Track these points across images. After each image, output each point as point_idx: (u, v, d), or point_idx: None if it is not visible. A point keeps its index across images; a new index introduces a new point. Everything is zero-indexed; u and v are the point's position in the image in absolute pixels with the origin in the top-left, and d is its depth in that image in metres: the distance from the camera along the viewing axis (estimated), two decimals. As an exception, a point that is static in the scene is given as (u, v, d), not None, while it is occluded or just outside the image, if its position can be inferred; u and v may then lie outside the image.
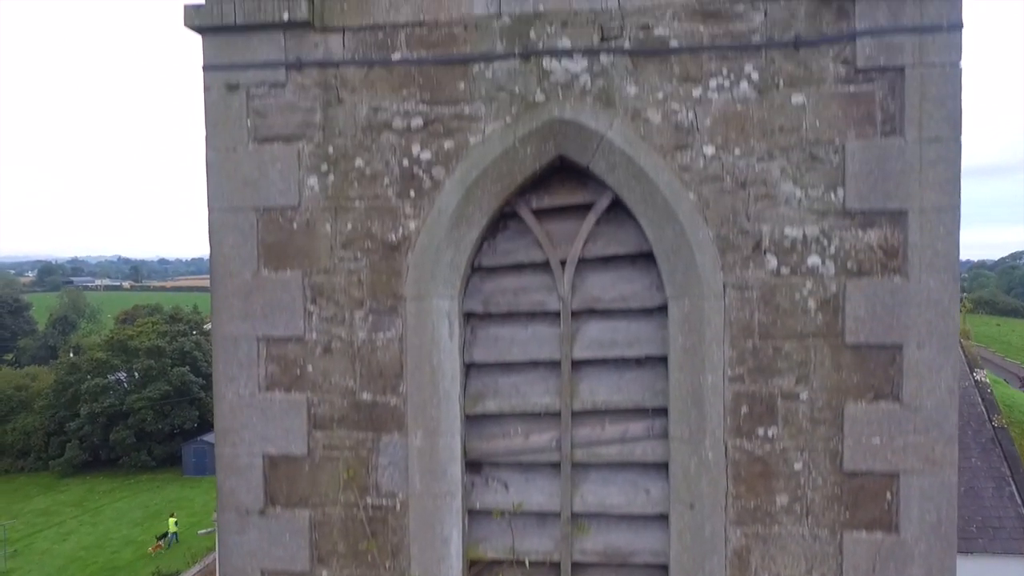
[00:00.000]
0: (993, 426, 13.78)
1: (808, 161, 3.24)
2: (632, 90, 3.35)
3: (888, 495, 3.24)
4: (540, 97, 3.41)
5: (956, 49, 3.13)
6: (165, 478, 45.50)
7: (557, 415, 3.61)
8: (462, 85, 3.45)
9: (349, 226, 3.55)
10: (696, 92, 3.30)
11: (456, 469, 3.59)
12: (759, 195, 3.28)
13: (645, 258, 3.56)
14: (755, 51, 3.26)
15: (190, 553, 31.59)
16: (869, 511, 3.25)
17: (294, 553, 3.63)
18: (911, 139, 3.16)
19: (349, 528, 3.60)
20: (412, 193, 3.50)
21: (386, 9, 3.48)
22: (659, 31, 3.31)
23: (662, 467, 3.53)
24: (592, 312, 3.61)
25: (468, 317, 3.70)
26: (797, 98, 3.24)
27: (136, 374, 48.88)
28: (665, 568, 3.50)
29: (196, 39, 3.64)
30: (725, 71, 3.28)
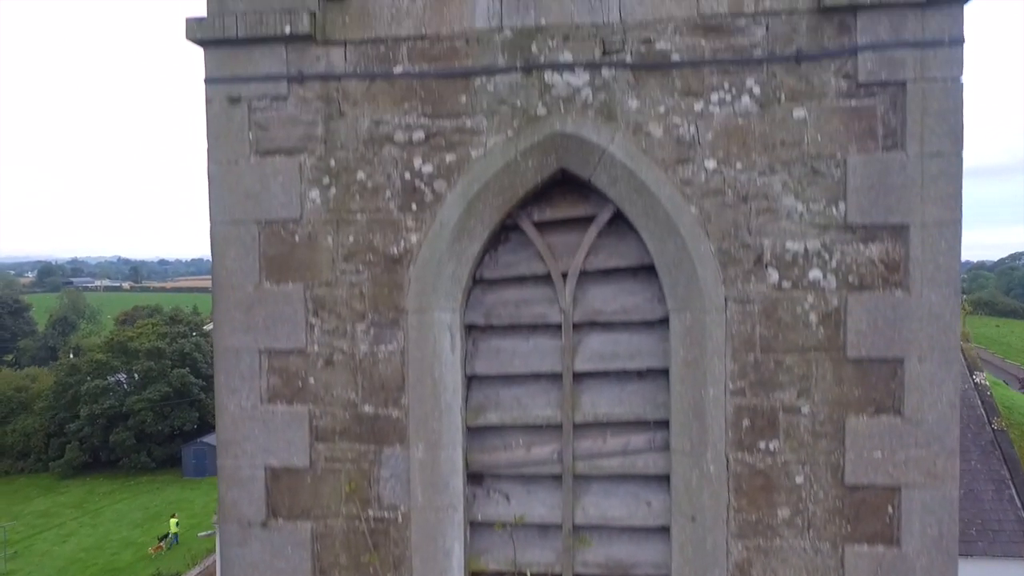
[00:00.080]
0: (993, 429, 13.79)
1: (810, 175, 3.25)
2: (634, 104, 3.35)
3: (889, 509, 3.24)
4: (542, 111, 3.41)
5: (958, 64, 3.14)
6: (165, 480, 45.50)
7: (559, 427, 3.61)
8: (464, 98, 3.46)
9: (351, 239, 3.55)
10: (698, 106, 3.31)
11: (458, 481, 3.60)
12: (760, 209, 3.29)
13: (646, 270, 3.57)
14: (757, 65, 3.26)
15: (190, 555, 31.61)
16: (870, 525, 3.26)
17: (296, 565, 3.63)
18: (913, 154, 3.17)
19: (351, 541, 3.60)
20: (414, 206, 3.51)
21: (388, 23, 3.48)
22: (661, 45, 3.32)
23: (663, 479, 3.54)
24: (593, 324, 3.62)
25: (470, 329, 3.71)
26: (799, 112, 3.25)
27: (136, 375, 48.88)
28: (667, 581, 3.50)
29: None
30: (727, 85, 3.29)
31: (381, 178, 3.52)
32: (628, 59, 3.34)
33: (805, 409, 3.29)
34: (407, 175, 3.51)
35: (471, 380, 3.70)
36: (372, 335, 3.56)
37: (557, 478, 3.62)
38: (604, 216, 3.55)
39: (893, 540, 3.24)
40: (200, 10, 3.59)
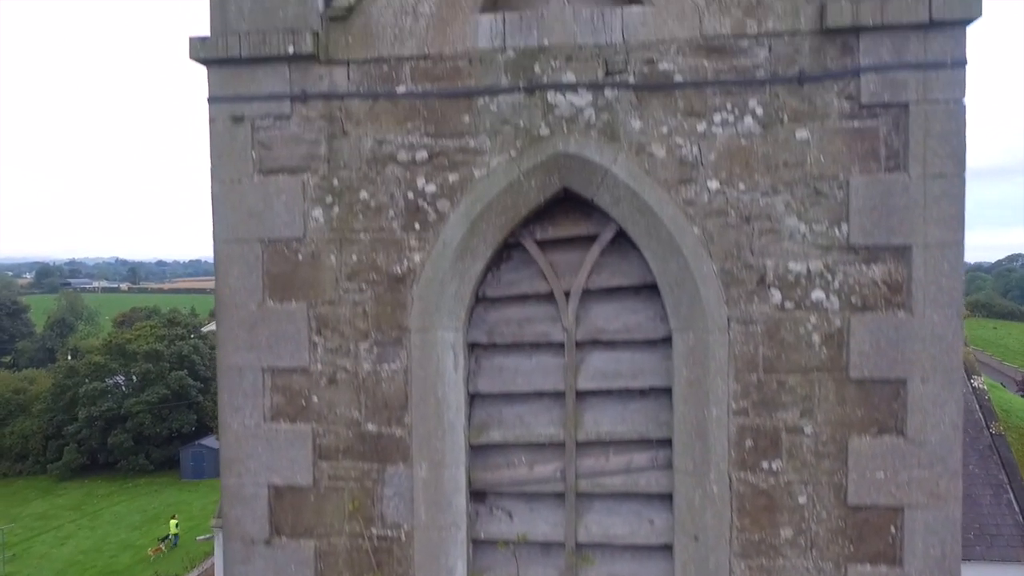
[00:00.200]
0: (991, 433, 13.81)
1: (812, 196, 3.26)
2: (636, 124, 3.36)
3: (892, 529, 3.25)
4: (545, 131, 3.42)
5: (960, 86, 3.15)
6: (163, 482, 45.42)
7: (561, 445, 3.61)
8: (467, 118, 3.46)
9: (354, 258, 3.55)
10: (700, 127, 3.32)
11: (461, 500, 3.60)
12: (763, 229, 3.30)
13: (649, 289, 3.57)
14: (759, 86, 3.27)
15: (188, 558, 31.57)
16: (873, 545, 3.27)
17: (299, 584, 3.63)
18: (915, 175, 3.18)
19: (354, 559, 3.61)
20: (417, 226, 3.51)
21: (391, 42, 3.49)
22: (663, 66, 3.33)
23: (666, 498, 3.55)
24: (596, 343, 3.62)
25: (472, 347, 3.71)
26: (801, 133, 3.25)
27: (134, 378, 48.81)
28: (669, 599, 3.51)
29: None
30: (729, 106, 3.29)
31: (384, 197, 3.53)
32: (631, 80, 3.35)
33: (808, 429, 3.29)
34: (410, 194, 3.51)
35: (474, 398, 3.71)
36: (375, 354, 3.56)
37: (560, 496, 3.63)
38: (607, 235, 3.56)
39: (896, 560, 3.25)
40: (203, 23, 3.60)
